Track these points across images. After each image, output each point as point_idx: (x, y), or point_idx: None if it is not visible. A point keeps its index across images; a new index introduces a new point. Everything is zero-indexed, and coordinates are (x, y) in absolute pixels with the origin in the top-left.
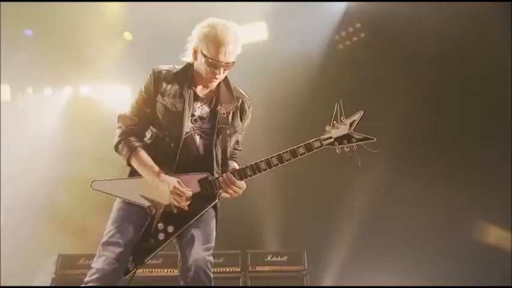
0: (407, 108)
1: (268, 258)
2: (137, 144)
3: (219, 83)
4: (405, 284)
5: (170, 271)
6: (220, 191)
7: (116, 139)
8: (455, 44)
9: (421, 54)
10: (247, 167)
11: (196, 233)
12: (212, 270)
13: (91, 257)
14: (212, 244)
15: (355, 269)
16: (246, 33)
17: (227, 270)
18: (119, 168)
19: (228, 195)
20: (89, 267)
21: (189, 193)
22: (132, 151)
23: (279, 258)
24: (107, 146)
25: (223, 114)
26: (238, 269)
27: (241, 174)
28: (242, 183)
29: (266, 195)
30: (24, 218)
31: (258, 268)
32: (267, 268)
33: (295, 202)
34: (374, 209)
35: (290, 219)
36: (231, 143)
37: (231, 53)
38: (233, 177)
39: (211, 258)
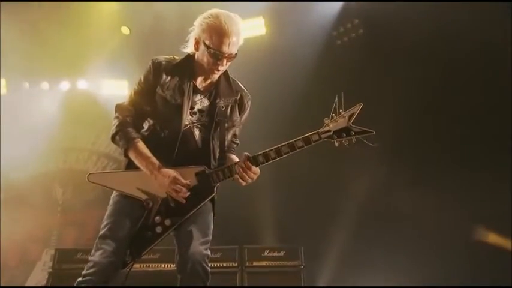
0: (405, 105)
1: (266, 253)
2: (135, 135)
3: (219, 76)
4: (403, 283)
5: (167, 266)
6: (234, 178)
7: (113, 130)
8: (453, 42)
9: (419, 51)
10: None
11: (193, 226)
12: (209, 265)
13: (88, 251)
14: (209, 238)
15: (352, 264)
16: (244, 28)
17: (224, 265)
18: (115, 162)
19: (244, 183)
20: (86, 261)
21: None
22: (129, 143)
23: (276, 254)
24: (104, 139)
25: (222, 107)
26: (235, 264)
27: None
28: (257, 169)
29: (264, 190)
30: (20, 212)
31: (255, 263)
32: (264, 263)
33: (292, 197)
34: (372, 205)
35: (287, 215)
36: (229, 136)
37: (234, 44)
38: (249, 163)
39: (208, 252)
